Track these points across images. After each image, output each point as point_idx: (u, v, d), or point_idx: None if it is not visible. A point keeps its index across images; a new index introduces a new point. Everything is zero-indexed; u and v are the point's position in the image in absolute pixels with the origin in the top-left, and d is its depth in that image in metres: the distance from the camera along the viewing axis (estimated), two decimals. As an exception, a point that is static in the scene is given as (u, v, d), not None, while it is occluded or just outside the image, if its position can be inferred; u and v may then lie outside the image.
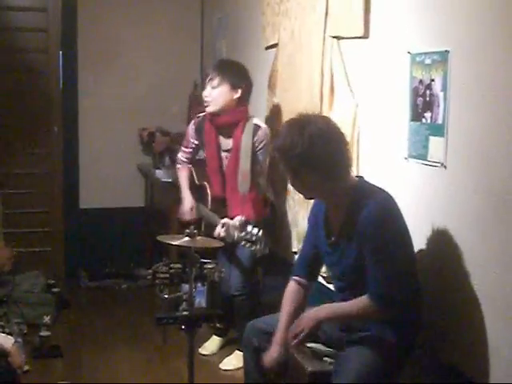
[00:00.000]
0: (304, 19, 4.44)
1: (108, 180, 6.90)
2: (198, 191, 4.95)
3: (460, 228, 3.06)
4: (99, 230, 6.89)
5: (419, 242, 3.26)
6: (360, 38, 3.81)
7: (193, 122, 4.95)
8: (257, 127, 4.61)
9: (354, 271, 3.14)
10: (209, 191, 4.83)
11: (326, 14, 4.12)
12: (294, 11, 4.61)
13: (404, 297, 3.05)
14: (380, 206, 3.04)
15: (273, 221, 4.82)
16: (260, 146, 4.60)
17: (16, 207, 6.41)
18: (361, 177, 3.26)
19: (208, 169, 4.82)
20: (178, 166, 5.07)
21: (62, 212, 6.87)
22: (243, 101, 4.66)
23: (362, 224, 3.02)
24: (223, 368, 4.88)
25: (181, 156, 5.04)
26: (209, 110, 4.62)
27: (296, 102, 4.52)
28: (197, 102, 6.34)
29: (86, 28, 6.71)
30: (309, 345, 3.35)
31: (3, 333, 4.25)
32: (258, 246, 4.00)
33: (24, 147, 6.64)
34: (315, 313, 3.12)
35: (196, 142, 4.91)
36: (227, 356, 4.95)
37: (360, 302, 3.06)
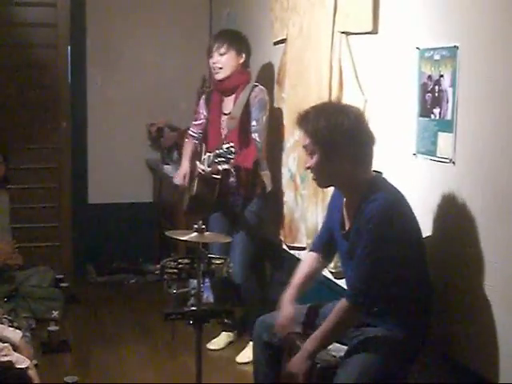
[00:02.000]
0: (313, 14, 4.43)
1: (116, 175, 6.91)
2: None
3: (468, 224, 3.05)
4: (107, 225, 6.90)
5: (427, 238, 3.25)
6: (369, 33, 3.80)
7: (203, 94, 5.18)
8: (254, 86, 4.82)
9: None
10: (203, 150, 4.92)
11: (335, 9, 4.11)
12: (302, 6, 4.60)
13: (410, 299, 3.05)
14: (382, 205, 3.00)
15: (264, 202, 4.90)
16: (255, 101, 4.74)
17: (24, 202, 6.44)
18: (379, 172, 3.24)
19: (208, 135, 4.93)
20: (186, 139, 5.25)
21: (70, 207, 6.88)
22: (245, 66, 4.89)
23: (364, 222, 3.02)
24: (239, 361, 4.87)
25: (190, 130, 5.21)
26: (219, 76, 4.82)
27: (304, 97, 4.51)
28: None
29: (95, 23, 6.72)
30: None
31: (12, 327, 4.26)
32: (229, 156, 4.17)
33: (33, 142, 6.65)
34: (303, 353, 3.11)
35: (205, 113, 5.04)
36: (241, 350, 4.94)
37: (337, 309, 3.08)
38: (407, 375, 3.18)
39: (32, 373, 3.83)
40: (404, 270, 3.05)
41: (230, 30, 5.13)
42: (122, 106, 6.86)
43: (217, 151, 4.23)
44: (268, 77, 5.20)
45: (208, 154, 4.48)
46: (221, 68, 4.78)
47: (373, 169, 3.19)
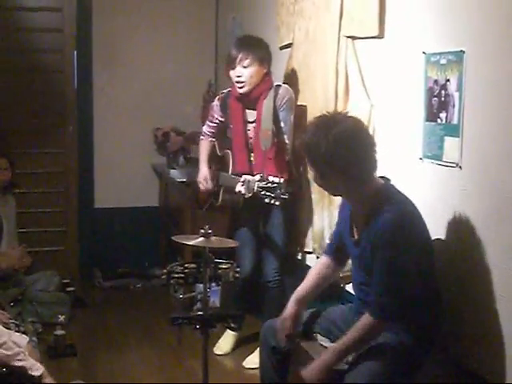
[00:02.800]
0: (319, 19, 4.43)
1: (122, 180, 6.91)
2: (220, 162, 4.95)
3: (475, 228, 3.05)
4: (114, 230, 6.91)
5: (433, 242, 3.25)
6: (375, 37, 3.81)
7: (217, 98, 4.96)
8: (277, 87, 4.62)
9: (368, 271, 3.14)
10: (230, 158, 4.79)
11: (341, 13, 4.12)
12: (308, 11, 4.60)
13: (419, 307, 3.05)
14: (396, 218, 2.99)
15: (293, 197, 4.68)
16: (281, 103, 4.56)
17: (31, 206, 6.44)
18: (387, 179, 3.21)
19: (234, 145, 4.77)
20: (202, 137, 5.09)
21: (76, 211, 6.89)
22: (268, 72, 4.67)
23: (377, 234, 3.02)
24: (247, 366, 4.85)
25: (205, 129, 5.06)
26: (242, 90, 4.59)
27: (311, 102, 4.52)
28: (211, 102, 6.36)
29: (101, 28, 6.73)
30: (324, 343, 3.36)
31: (18, 331, 4.26)
32: (278, 191, 3.85)
33: (39, 147, 6.66)
34: (321, 363, 3.09)
35: (221, 119, 4.91)
36: (249, 355, 4.92)
37: (362, 324, 3.05)
38: (415, 381, 3.17)
39: (48, 380, 3.84)
40: (417, 279, 3.04)
41: (252, 39, 4.80)
42: (128, 111, 6.86)
43: (264, 183, 3.91)
44: (274, 82, 5.19)
45: (246, 177, 4.18)
46: (244, 81, 4.56)
47: (380, 174, 3.18)
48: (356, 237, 3.23)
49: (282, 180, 3.89)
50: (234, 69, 4.58)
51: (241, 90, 4.60)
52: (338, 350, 3.08)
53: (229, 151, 4.84)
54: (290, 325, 3.38)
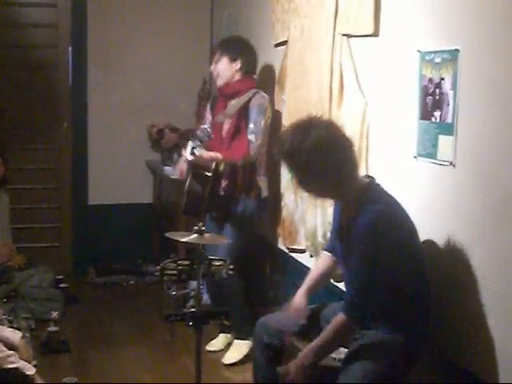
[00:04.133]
0: (314, 17, 4.43)
1: (116, 176, 6.91)
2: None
3: (468, 226, 3.06)
4: (107, 226, 6.90)
5: (427, 240, 3.26)
6: (370, 36, 3.81)
7: (210, 100, 5.31)
8: (256, 92, 4.87)
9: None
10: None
11: (336, 11, 4.12)
12: (303, 9, 4.60)
13: (408, 305, 3.07)
14: (371, 218, 3.00)
15: (258, 206, 4.90)
16: (255, 104, 4.80)
17: (24, 203, 6.43)
18: (371, 178, 3.23)
19: (213, 137, 5.03)
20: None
21: (70, 208, 6.88)
22: (247, 72, 4.93)
23: (355, 232, 3.04)
24: (226, 362, 4.88)
25: (197, 131, 5.26)
26: (218, 84, 4.98)
27: (305, 99, 4.52)
28: (205, 99, 6.36)
29: (96, 24, 6.71)
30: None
31: (11, 327, 4.27)
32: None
33: (33, 143, 6.65)
34: (298, 363, 3.12)
35: (209, 117, 5.13)
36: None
37: (334, 322, 3.09)
38: (408, 379, 3.18)
39: (37, 378, 3.84)
40: (402, 277, 3.05)
41: (228, 38, 5.23)
42: (123, 107, 6.85)
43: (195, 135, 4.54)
44: (269, 79, 5.20)
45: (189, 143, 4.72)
46: (216, 76, 4.95)
47: (370, 173, 3.19)
48: (342, 235, 3.25)
49: (207, 126, 4.89)
50: (211, 64, 5.04)
51: (217, 84, 4.99)
52: (315, 349, 3.12)
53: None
54: (299, 316, 3.43)
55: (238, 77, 4.89)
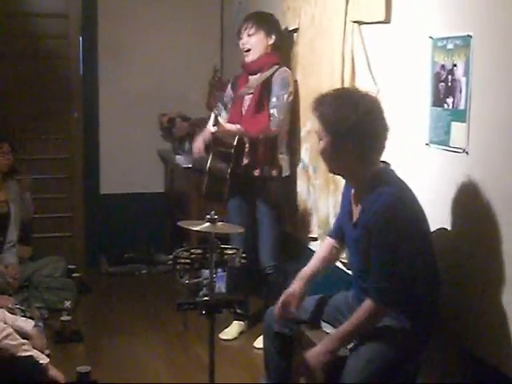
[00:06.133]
0: (325, 4, 4.41)
1: (128, 166, 6.91)
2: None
3: (481, 213, 3.05)
4: (119, 216, 6.90)
5: (439, 227, 3.25)
6: (381, 22, 3.79)
7: (231, 79, 5.17)
8: (279, 67, 4.77)
9: (366, 257, 3.13)
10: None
11: (347, -2, 4.10)
12: (314, -4, 4.59)
13: (417, 291, 3.05)
14: (391, 202, 3.00)
15: (280, 188, 4.86)
16: (278, 79, 4.72)
17: (37, 193, 6.43)
18: (387, 164, 3.22)
19: (230, 110, 4.97)
20: None
21: (82, 197, 6.89)
22: (275, 48, 4.85)
23: (373, 218, 3.02)
24: (257, 346, 4.84)
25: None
26: (248, 58, 4.83)
27: (317, 87, 4.49)
28: (217, 88, 6.35)
29: (107, 14, 6.71)
30: (326, 330, 3.36)
31: (24, 317, 4.28)
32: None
33: (45, 133, 6.66)
34: (323, 348, 3.09)
35: (231, 93, 5.03)
36: (255, 339, 4.95)
37: (364, 310, 3.05)
38: (417, 364, 3.18)
39: (53, 372, 3.86)
40: (415, 262, 3.04)
41: (260, 12, 5.05)
42: (134, 97, 6.85)
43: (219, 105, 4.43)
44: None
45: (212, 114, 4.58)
46: (249, 49, 4.79)
47: (386, 159, 3.17)
48: (354, 219, 3.23)
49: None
50: (241, 38, 4.83)
51: (247, 59, 4.83)
52: (341, 336, 3.09)
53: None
54: (290, 301, 3.39)
55: (267, 52, 4.81)
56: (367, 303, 3.04)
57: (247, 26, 4.79)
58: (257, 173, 4.74)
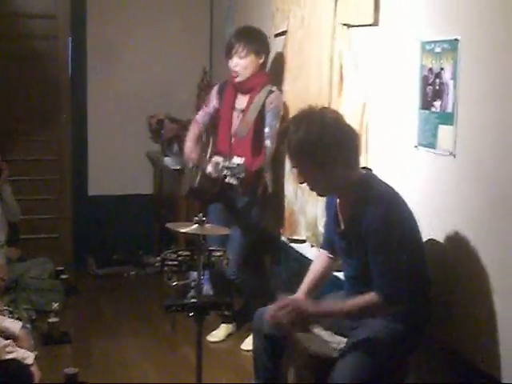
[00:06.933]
0: (314, 6, 4.42)
1: (116, 167, 6.90)
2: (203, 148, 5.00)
3: (468, 216, 3.06)
4: (107, 217, 6.89)
5: (427, 230, 3.26)
6: (370, 25, 3.80)
7: (217, 84, 5.14)
8: (271, 91, 4.75)
9: (361, 264, 3.14)
10: (210, 142, 4.90)
11: (336, 1, 4.10)
12: (303, -2, 4.59)
13: (411, 292, 3.05)
14: (386, 203, 3.03)
15: (264, 202, 4.92)
16: (270, 107, 4.71)
17: (25, 194, 6.42)
18: (369, 169, 3.24)
19: (219, 127, 4.93)
20: (193, 123, 5.16)
21: (70, 199, 6.88)
22: (264, 66, 4.86)
23: (368, 221, 3.03)
24: (244, 348, 4.90)
25: (198, 115, 5.17)
26: (238, 79, 4.80)
27: (305, 89, 4.51)
28: (206, 90, 6.35)
29: (96, 14, 6.69)
30: (316, 331, 3.37)
31: (12, 318, 4.26)
32: (236, 171, 4.20)
33: (33, 134, 6.65)
34: (302, 307, 3.13)
35: (215, 103, 5.03)
36: (244, 339, 4.97)
37: (367, 300, 3.06)
38: (407, 367, 3.19)
39: (34, 369, 3.83)
40: (408, 264, 3.05)
41: (251, 30, 4.95)
42: (123, 98, 6.84)
43: (227, 163, 4.22)
44: (268, 69, 5.19)
45: (217, 158, 4.46)
46: (240, 71, 4.75)
47: (374, 162, 3.19)
48: (342, 227, 3.24)
49: (242, 161, 4.21)
50: (231, 58, 4.76)
51: (236, 80, 4.79)
52: (329, 311, 3.18)
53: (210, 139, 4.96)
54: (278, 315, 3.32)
55: (258, 72, 4.79)
56: (371, 295, 3.04)
57: (238, 49, 4.72)
58: (242, 193, 4.76)
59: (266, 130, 4.70)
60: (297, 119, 3.17)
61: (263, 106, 4.71)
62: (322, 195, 3.42)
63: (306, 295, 3.43)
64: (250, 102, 4.76)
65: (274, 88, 4.79)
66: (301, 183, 3.24)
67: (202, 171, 4.76)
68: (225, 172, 4.24)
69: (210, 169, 4.54)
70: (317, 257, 3.67)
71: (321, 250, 3.63)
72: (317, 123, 3.05)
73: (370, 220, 3.02)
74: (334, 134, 3.03)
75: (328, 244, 3.53)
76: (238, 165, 4.18)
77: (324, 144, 3.01)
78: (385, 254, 3.03)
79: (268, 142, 4.70)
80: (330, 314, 3.19)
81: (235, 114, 4.84)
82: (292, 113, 4.72)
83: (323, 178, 3.12)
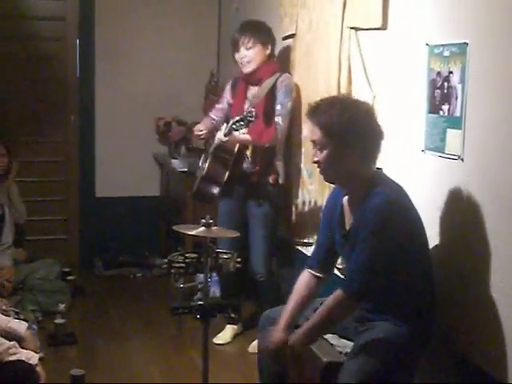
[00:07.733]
0: (322, 10, 4.42)
1: (124, 169, 6.91)
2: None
3: (476, 220, 3.05)
4: (115, 219, 6.90)
5: (435, 233, 3.25)
6: (378, 29, 3.80)
7: (230, 80, 5.18)
8: (281, 74, 4.80)
9: None
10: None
11: (345, 4, 4.11)
12: (312, 2, 4.60)
13: (416, 295, 3.05)
14: (383, 199, 3.01)
15: (276, 195, 4.88)
16: (282, 85, 4.74)
17: (32, 195, 6.43)
18: (380, 169, 3.24)
19: (230, 117, 4.84)
20: (205, 118, 5.23)
21: (77, 200, 6.90)
22: (272, 56, 4.90)
23: (364, 215, 3.03)
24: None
25: (211, 112, 5.20)
26: (247, 70, 4.83)
27: (313, 93, 4.51)
28: (213, 92, 6.36)
29: (104, 16, 6.71)
30: (324, 336, 3.36)
31: (18, 319, 4.26)
32: (248, 119, 4.30)
33: (41, 135, 6.66)
34: (291, 341, 3.14)
35: (229, 98, 5.07)
36: (249, 344, 4.95)
37: (330, 299, 3.07)
38: (413, 370, 3.18)
39: (38, 369, 3.83)
40: (406, 265, 3.05)
41: (254, 22, 5.03)
42: (130, 100, 6.85)
43: (237, 117, 4.34)
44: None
45: (226, 123, 4.56)
46: (248, 62, 4.79)
47: (382, 166, 3.19)
48: (347, 229, 3.23)
49: (253, 109, 4.32)
50: (238, 51, 4.82)
51: (246, 70, 4.83)
52: (306, 332, 3.12)
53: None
54: (277, 351, 3.30)
55: (266, 62, 4.82)
56: (336, 293, 3.05)
57: (244, 40, 4.77)
58: (254, 179, 4.76)
59: (278, 107, 4.70)
60: (329, 100, 3.18)
61: (274, 86, 4.72)
62: (329, 181, 3.37)
63: (288, 328, 3.31)
64: (260, 90, 4.78)
65: (284, 73, 4.82)
66: (314, 162, 3.20)
67: (210, 159, 4.76)
68: (235, 126, 4.34)
69: (218, 135, 4.62)
70: (302, 277, 3.48)
71: (307, 270, 3.48)
72: (352, 107, 3.07)
73: (368, 214, 3.01)
74: (363, 122, 3.06)
75: (316, 262, 3.45)
76: (249, 111, 4.30)
77: (353, 127, 3.02)
78: (361, 248, 3.02)
79: (280, 119, 4.67)
80: (312, 331, 3.13)
81: (247, 103, 4.83)
82: (300, 116, 4.73)
83: (338, 161, 3.10)
